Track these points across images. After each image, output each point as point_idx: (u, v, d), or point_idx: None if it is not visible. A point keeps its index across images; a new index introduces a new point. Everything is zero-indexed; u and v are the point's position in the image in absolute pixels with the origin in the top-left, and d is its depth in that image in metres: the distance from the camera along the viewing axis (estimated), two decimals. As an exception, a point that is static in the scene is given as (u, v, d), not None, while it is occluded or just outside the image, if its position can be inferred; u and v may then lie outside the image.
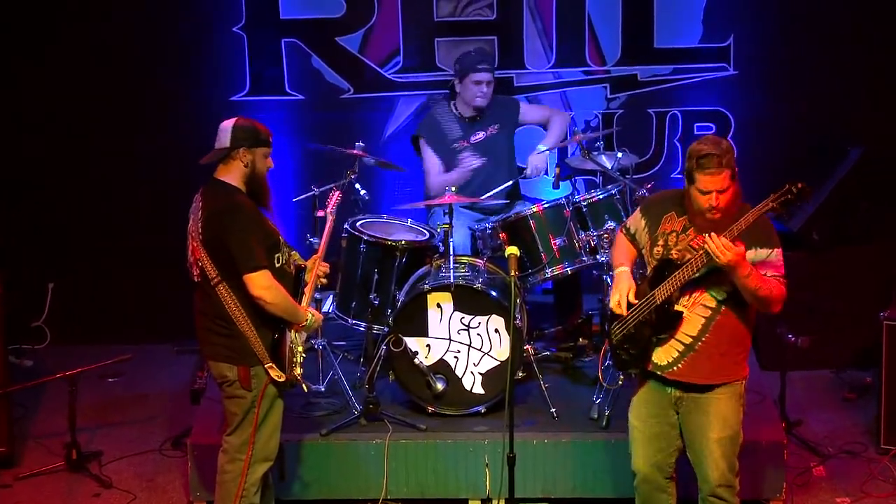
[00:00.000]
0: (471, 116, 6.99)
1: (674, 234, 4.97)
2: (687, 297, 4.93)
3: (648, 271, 5.04)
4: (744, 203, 4.91)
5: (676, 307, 4.93)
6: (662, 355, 5.01)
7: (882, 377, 6.33)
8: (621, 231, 5.27)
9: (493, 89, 6.94)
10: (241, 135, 5.14)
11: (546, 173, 7.24)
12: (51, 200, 7.94)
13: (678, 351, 4.97)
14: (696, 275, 4.85)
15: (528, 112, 7.17)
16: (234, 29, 7.79)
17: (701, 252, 4.80)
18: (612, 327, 5.14)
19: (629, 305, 5.02)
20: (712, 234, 4.77)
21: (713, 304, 4.91)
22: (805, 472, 6.21)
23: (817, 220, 7.28)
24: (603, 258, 6.45)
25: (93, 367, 6.58)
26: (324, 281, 5.48)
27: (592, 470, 5.97)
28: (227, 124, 5.17)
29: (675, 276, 4.88)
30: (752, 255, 4.83)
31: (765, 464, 5.85)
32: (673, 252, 4.95)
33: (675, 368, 4.99)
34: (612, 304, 5.06)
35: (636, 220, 5.15)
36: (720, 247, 4.72)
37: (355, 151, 6.60)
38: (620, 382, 5.79)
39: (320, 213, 5.96)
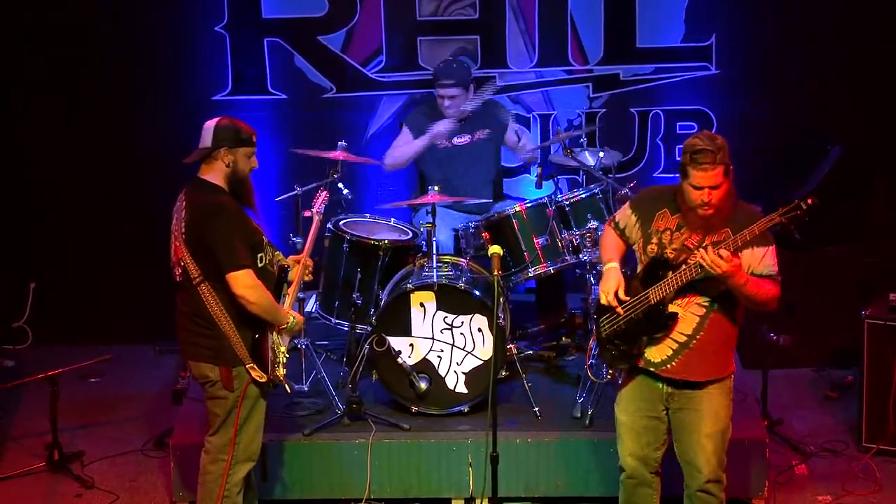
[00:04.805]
0: (462, 118, 6.93)
1: (668, 232, 4.96)
2: (682, 298, 4.92)
3: (639, 268, 5.03)
4: (739, 201, 4.92)
5: (671, 307, 4.93)
6: (656, 353, 5.00)
7: (863, 375, 6.35)
8: (609, 225, 5.21)
9: (470, 94, 6.87)
10: (222, 135, 5.12)
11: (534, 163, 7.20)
12: (31, 200, 7.89)
13: (672, 349, 4.97)
14: (692, 279, 4.85)
15: (509, 134, 7.10)
16: (216, 28, 7.76)
17: (696, 262, 4.79)
18: (600, 320, 5.12)
19: (620, 302, 5.00)
20: (703, 249, 4.76)
21: (707, 302, 4.91)
22: (787, 470, 6.22)
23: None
24: (586, 257, 6.45)
25: (74, 367, 6.57)
26: (309, 277, 5.47)
27: (575, 469, 5.97)
28: (210, 124, 5.16)
29: (670, 278, 4.86)
30: (748, 253, 4.83)
31: (747, 462, 5.86)
32: (668, 251, 4.93)
33: (668, 366, 4.98)
34: (603, 300, 5.02)
35: (626, 216, 5.10)
36: (713, 262, 4.72)
37: (338, 154, 6.55)
38: (609, 378, 5.80)
39: (307, 214, 5.95)
